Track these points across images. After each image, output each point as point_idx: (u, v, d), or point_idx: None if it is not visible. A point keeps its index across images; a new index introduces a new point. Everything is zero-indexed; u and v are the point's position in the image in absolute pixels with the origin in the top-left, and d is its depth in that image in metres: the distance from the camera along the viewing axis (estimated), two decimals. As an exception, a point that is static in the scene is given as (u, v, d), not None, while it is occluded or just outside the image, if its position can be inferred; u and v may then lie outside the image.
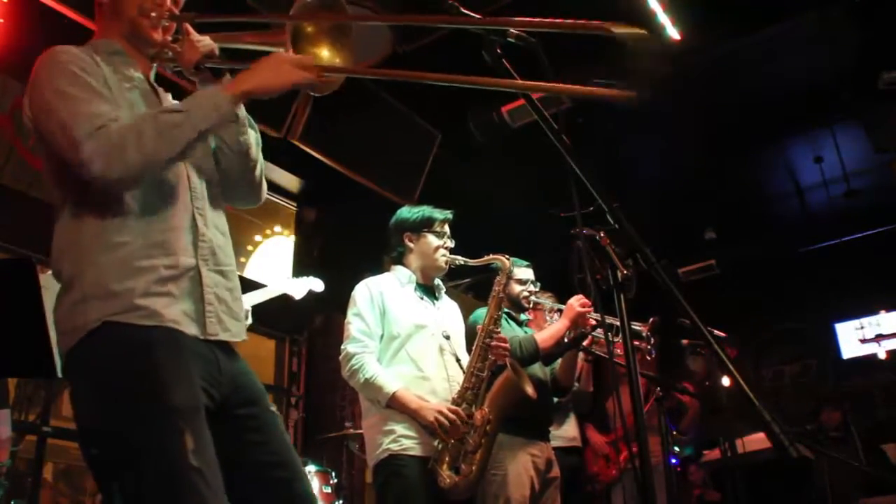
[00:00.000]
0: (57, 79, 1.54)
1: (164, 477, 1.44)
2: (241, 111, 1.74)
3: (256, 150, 1.81)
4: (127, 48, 1.71)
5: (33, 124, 1.60)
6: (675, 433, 5.04)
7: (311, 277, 3.48)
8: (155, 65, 1.81)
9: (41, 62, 1.59)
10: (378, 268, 3.09)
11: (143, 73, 1.75)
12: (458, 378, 2.83)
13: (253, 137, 1.80)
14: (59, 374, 1.84)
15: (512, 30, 1.48)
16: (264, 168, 1.87)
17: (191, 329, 1.59)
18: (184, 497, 1.43)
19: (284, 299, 3.71)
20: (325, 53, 1.70)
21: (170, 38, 1.72)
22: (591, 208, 1.45)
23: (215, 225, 1.73)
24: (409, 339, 2.82)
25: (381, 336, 2.83)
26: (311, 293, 3.58)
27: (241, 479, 1.59)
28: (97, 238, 1.55)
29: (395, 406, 2.69)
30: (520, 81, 1.44)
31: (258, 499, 1.63)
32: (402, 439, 2.67)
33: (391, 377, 2.72)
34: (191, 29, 1.69)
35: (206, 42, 1.68)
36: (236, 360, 1.74)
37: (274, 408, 1.78)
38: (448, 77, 1.50)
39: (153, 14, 1.68)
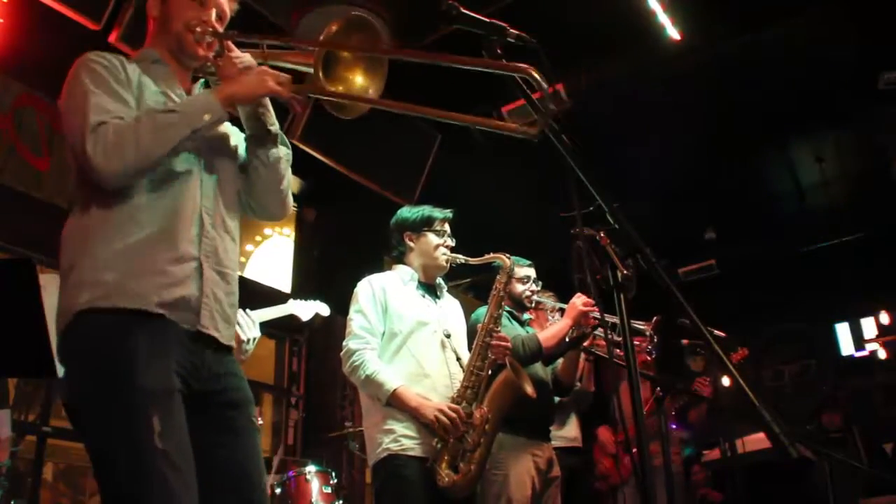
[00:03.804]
0: (82, 75, 1.69)
1: (129, 458, 1.50)
2: (275, 127, 1.88)
3: (285, 166, 1.93)
4: (170, 61, 1.85)
5: (61, 117, 1.71)
6: (674, 429, 5.02)
7: (318, 301, 3.54)
8: (199, 82, 1.94)
9: (76, 63, 1.73)
10: (377, 268, 3.10)
11: (185, 90, 1.86)
12: (460, 376, 2.83)
13: (283, 153, 1.92)
14: (60, 375, 1.86)
15: (512, 30, 1.48)
16: (290, 183, 1.97)
17: (180, 317, 1.65)
18: (148, 479, 1.48)
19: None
20: (357, 79, 1.79)
21: (212, 54, 1.84)
22: (591, 208, 1.45)
23: (224, 228, 1.81)
24: (410, 336, 2.81)
25: (383, 333, 2.83)
26: (317, 316, 3.62)
27: (199, 476, 1.61)
28: (100, 231, 1.65)
29: (395, 404, 2.68)
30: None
31: (208, 501, 1.63)
32: (402, 439, 2.67)
33: (392, 375, 2.71)
34: (232, 46, 1.81)
35: (245, 59, 1.78)
36: (228, 362, 1.78)
37: (259, 421, 1.80)
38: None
39: (198, 29, 1.81)
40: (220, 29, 1.86)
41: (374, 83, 1.79)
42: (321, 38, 1.71)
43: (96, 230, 1.65)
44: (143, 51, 1.87)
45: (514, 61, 1.49)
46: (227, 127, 1.94)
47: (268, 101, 1.86)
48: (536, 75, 1.35)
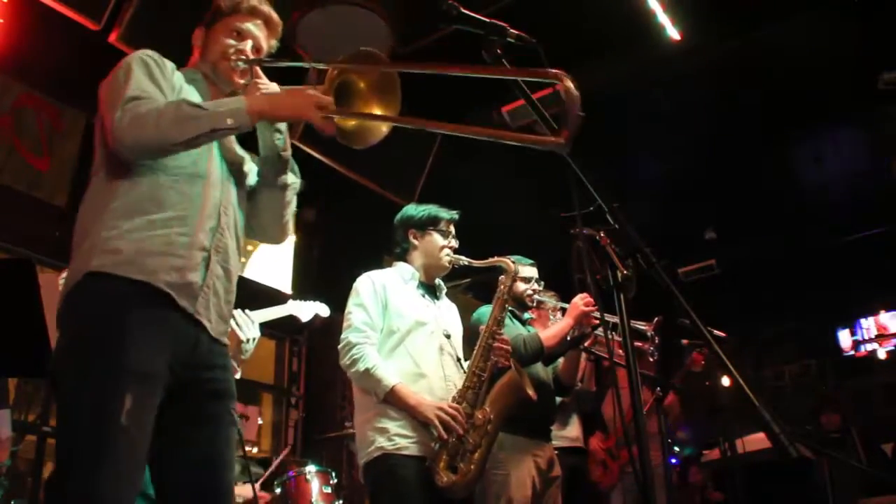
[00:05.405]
0: (130, 62, 1.80)
1: (93, 425, 1.55)
2: (287, 153, 1.96)
3: (291, 194, 2.04)
4: (208, 83, 1.97)
5: (100, 92, 1.79)
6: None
7: (317, 302, 3.56)
8: None
9: (129, 55, 1.84)
10: (377, 268, 3.08)
11: None
12: (455, 378, 2.81)
13: (291, 180, 2.01)
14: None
15: (512, 30, 1.48)
16: (293, 212, 2.07)
17: (182, 299, 1.71)
18: (104, 448, 1.53)
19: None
20: (372, 110, 1.88)
21: (244, 81, 1.94)
22: (591, 208, 1.45)
23: (236, 232, 1.90)
24: (408, 335, 2.79)
25: (381, 329, 2.80)
26: (316, 317, 3.64)
27: (163, 458, 1.69)
28: (120, 203, 1.72)
29: (393, 400, 2.65)
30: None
31: (169, 487, 1.71)
32: (397, 438, 2.63)
33: (391, 371, 2.70)
34: (260, 72, 1.93)
35: (269, 87, 1.88)
36: (221, 354, 1.84)
37: (239, 421, 1.85)
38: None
39: (232, 56, 1.94)
40: (251, 56, 1.96)
41: (388, 111, 1.88)
42: (331, 65, 1.77)
43: (116, 202, 1.71)
44: (186, 69, 1.98)
45: (513, 62, 1.49)
46: (243, 151, 2.03)
47: (284, 127, 1.94)
48: (569, 84, 1.28)
